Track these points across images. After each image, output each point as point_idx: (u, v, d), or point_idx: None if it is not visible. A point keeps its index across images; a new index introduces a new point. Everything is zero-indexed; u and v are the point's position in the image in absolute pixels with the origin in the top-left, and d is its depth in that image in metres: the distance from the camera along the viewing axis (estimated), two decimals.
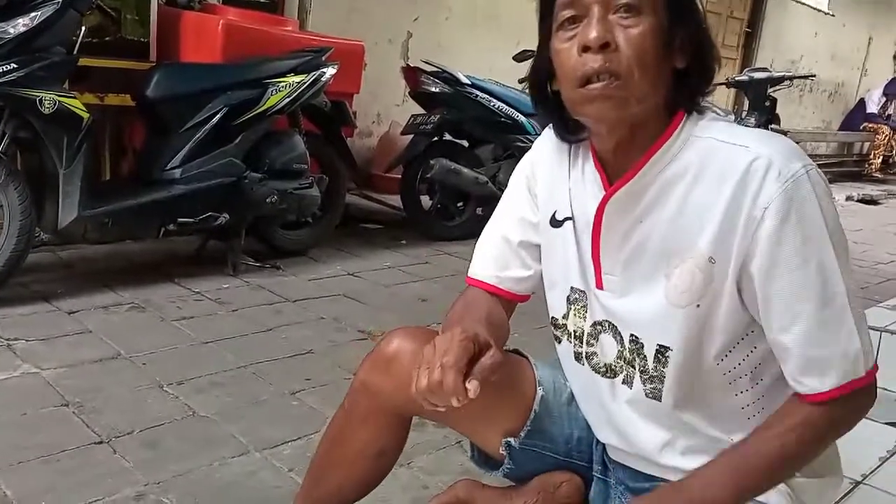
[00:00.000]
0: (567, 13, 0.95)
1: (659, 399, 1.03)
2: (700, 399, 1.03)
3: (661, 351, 1.01)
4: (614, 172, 1.02)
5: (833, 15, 8.80)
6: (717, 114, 1.03)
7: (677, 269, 0.97)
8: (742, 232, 0.92)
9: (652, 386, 1.03)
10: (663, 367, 1.01)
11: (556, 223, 1.13)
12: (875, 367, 0.96)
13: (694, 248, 0.96)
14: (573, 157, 1.11)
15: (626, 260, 1.03)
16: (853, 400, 0.95)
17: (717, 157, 0.95)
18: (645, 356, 1.03)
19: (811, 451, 0.98)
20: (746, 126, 1.16)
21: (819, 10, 8.43)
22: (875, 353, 0.99)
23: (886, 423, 1.98)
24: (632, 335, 1.04)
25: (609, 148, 1.01)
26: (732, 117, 5.60)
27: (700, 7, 0.99)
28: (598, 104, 0.94)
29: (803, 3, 8.26)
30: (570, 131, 1.08)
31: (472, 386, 0.89)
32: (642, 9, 0.92)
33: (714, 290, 0.96)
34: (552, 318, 1.17)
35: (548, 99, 1.04)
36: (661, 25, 0.93)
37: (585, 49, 0.92)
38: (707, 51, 0.98)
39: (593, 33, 0.91)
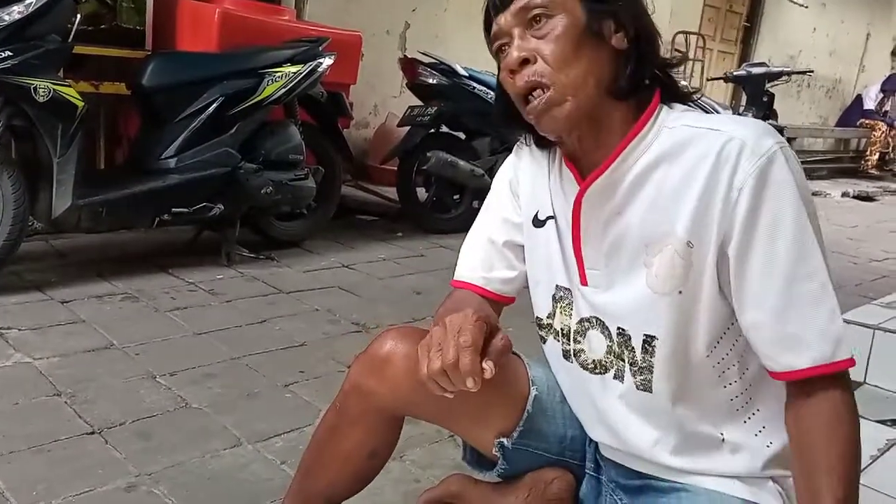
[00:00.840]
0: (497, 44, 1.02)
1: (650, 390, 1.03)
2: (690, 391, 1.03)
3: (648, 341, 1.01)
4: (586, 168, 1.04)
5: (807, 7, 8.74)
6: (715, 108, 1.03)
7: (657, 257, 0.98)
8: (720, 214, 0.93)
9: (642, 377, 1.04)
10: (651, 357, 1.02)
11: (538, 223, 1.13)
12: (853, 358, 0.95)
13: (672, 233, 0.96)
14: (552, 157, 1.12)
15: (608, 253, 1.03)
16: (844, 383, 0.94)
17: (690, 142, 0.96)
18: (633, 348, 1.03)
19: (857, 457, 0.95)
20: None
21: (795, 2, 8.37)
22: (868, 350, 0.98)
23: (878, 422, 1.99)
24: (619, 328, 1.04)
25: (575, 147, 1.03)
26: (730, 112, 5.60)
27: None
28: (542, 118, 0.98)
29: None
30: (543, 140, 1.10)
31: (488, 366, 0.89)
32: (553, 12, 0.96)
33: (695, 275, 0.96)
34: (537, 317, 1.17)
35: (517, 118, 1.06)
36: (576, 19, 0.96)
37: (513, 72, 0.98)
38: (641, 26, 0.99)
39: (512, 55, 0.98)
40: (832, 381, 0.93)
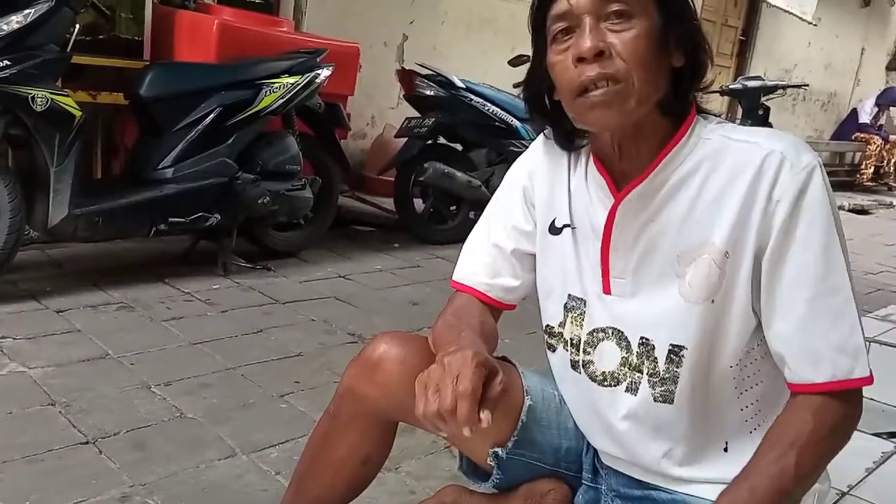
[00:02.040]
0: (559, 25, 0.97)
1: (671, 402, 1.03)
2: (709, 403, 1.03)
3: (675, 351, 1.01)
4: (620, 176, 1.03)
5: (815, 24, 8.81)
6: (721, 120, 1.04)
7: (691, 266, 0.98)
8: (758, 225, 0.94)
9: (663, 388, 1.03)
10: (677, 368, 1.01)
11: (555, 230, 1.13)
12: (871, 376, 0.96)
13: (708, 243, 0.97)
14: (573, 163, 1.11)
15: (638, 261, 1.03)
16: (850, 401, 0.96)
17: (728, 153, 0.97)
18: (656, 358, 1.02)
19: (817, 462, 0.96)
20: None
21: (803, 20, 8.44)
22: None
23: (873, 434, 1.99)
24: (642, 338, 1.03)
25: (613, 152, 1.02)
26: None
27: (692, 4, 1.01)
28: (599, 111, 0.95)
29: (791, 13, 8.28)
30: (571, 140, 1.09)
31: (485, 416, 0.88)
32: (634, 13, 0.94)
33: (727, 284, 0.97)
34: (547, 325, 1.16)
35: (547, 110, 1.06)
36: (654, 26, 0.95)
37: (581, 60, 0.94)
38: (700, 47, 1.00)
39: (587, 43, 0.93)
40: (842, 395, 0.95)
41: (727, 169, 0.97)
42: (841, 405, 0.95)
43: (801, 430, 0.94)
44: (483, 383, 0.90)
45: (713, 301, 0.98)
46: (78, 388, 2.06)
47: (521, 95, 1.11)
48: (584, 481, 1.22)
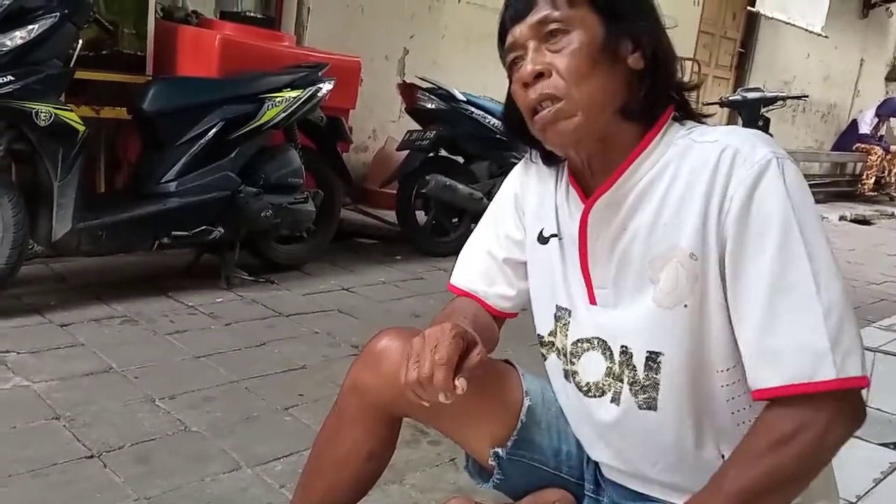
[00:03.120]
0: (512, 55, 1.01)
1: (654, 408, 1.02)
2: (698, 408, 1.01)
3: (652, 357, 1.00)
4: (592, 187, 1.04)
5: (827, 37, 8.88)
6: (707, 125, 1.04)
7: (663, 272, 0.97)
8: (717, 224, 0.93)
9: (646, 396, 1.02)
10: (656, 374, 1.00)
11: (542, 240, 1.14)
12: (859, 379, 0.88)
13: (676, 247, 0.96)
14: (560, 174, 1.13)
15: (616, 271, 1.03)
16: (820, 407, 0.88)
17: (690, 155, 0.97)
18: (634, 366, 1.02)
19: (799, 465, 0.89)
20: None
21: (812, 32, 8.51)
22: (870, 373, 0.96)
23: (880, 444, 1.98)
24: (622, 346, 1.03)
25: (583, 164, 1.03)
26: None
27: (648, 4, 1.01)
28: (549, 131, 0.98)
29: (795, 26, 8.34)
30: (549, 158, 1.12)
31: (460, 383, 0.91)
32: (570, 28, 0.96)
33: (700, 289, 0.95)
34: (539, 334, 1.18)
35: (525, 133, 1.07)
36: (593, 36, 0.96)
37: (525, 85, 0.97)
38: (660, 47, 1.00)
39: (527, 68, 0.97)
40: (812, 401, 0.88)
41: (688, 171, 0.96)
42: (819, 413, 0.87)
43: (760, 443, 0.90)
44: (462, 354, 0.93)
45: (686, 306, 0.96)
46: (82, 401, 2.05)
47: (503, 121, 1.14)
48: (587, 492, 1.22)
